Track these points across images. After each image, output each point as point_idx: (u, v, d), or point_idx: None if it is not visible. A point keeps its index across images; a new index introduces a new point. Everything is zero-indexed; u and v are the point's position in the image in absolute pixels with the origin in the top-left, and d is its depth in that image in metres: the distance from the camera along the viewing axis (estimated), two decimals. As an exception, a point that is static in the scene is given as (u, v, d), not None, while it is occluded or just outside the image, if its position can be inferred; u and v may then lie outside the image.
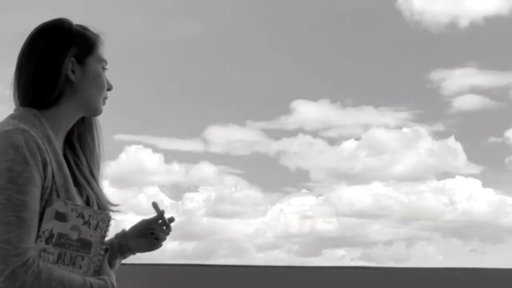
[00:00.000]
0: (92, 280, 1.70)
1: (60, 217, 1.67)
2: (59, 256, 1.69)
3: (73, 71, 1.80)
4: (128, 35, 20.54)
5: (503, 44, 22.14)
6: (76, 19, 1.87)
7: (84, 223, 1.72)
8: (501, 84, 22.29)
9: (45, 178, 1.68)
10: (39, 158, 1.67)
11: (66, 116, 1.81)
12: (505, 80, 22.30)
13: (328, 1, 20.91)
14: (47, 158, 1.69)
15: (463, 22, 20.54)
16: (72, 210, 1.69)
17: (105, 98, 1.88)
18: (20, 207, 1.62)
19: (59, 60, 1.80)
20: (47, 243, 1.66)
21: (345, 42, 22.01)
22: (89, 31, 1.88)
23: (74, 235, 1.70)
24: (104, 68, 1.87)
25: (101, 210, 1.78)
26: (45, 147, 1.70)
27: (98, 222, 1.74)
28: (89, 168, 1.90)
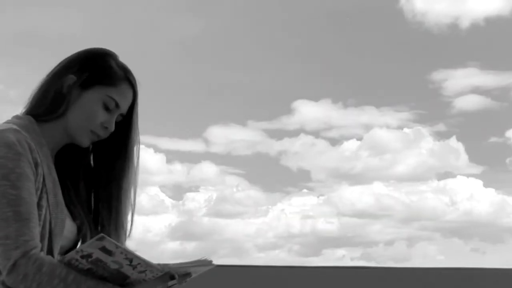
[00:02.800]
0: (111, 286, 1.61)
1: (106, 251, 1.57)
2: (90, 269, 1.61)
3: (69, 88, 1.78)
4: (127, 34, 20.55)
5: (504, 44, 22.16)
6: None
7: (129, 265, 1.60)
8: (502, 84, 22.31)
9: (36, 177, 1.68)
10: (30, 157, 1.67)
11: (53, 134, 1.79)
12: (506, 80, 22.33)
13: (329, 1, 20.90)
14: (38, 159, 1.69)
15: (464, 23, 20.50)
16: (121, 253, 1.57)
17: (94, 133, 1.79)
18: (15, 202, 1.61)
19: (62, 75, 1.80)
20: (82, 257, 1.59)
21: (347, 42, 22.01)
22: (120, 69, 1.82)
23: (113, 266, 1.60)
24: (108, 108, 1.79)
25: (156, 264, 1.63)
26: (37, 150, 1.71)
27: (146, 270, 1.62)
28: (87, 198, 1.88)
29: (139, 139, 1.89)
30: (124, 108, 1.83)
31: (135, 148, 1.89)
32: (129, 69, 1.84)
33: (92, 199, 1.90)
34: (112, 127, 1.81)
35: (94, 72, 1.80)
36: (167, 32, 20.97)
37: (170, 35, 21.06)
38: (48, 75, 1.82)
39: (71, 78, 1.79)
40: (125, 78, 1.82)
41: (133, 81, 1.84)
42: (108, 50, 1.86)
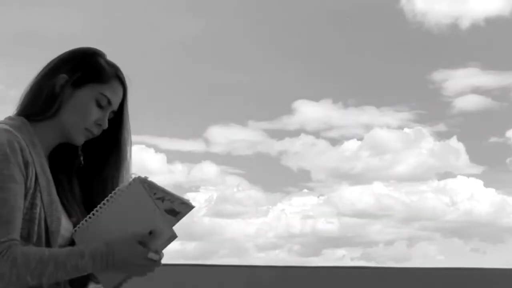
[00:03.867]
0: (86, 249, 1.66)
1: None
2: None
3: (61, 87, 1.79)
4: (127, 34, 20.57)
5: (504, 44, 22.18)
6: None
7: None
8: (502, 84, 22.34)
9: (27, 177, 1.68)
10: (20, 158, 1.68)
11: (46, 134, 1.80)
12: (507, 81, 22.37)
13: (329, 1, 20.91)
14: (29, 159, 1.70)
15: (465, 23, 20.51)
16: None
17: (88, 130, 1.82)
18: None
19: (53, 75, 1.81)
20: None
21: (347, 42, 22.02)
22: (110, 67, 1.85)
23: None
24: (100, 105, 1.81)
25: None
26: (29, 150, 1.71)
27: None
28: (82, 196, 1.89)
29: (130, 134, 1.92)
30: (115, 105, 1.86)
31: (127, 143, 1.91)
32: (118, 66, 1.88)
33: (87, 196, 1.91)
34: (105, 124, 1.84)
35: (86, 71, 1.82)
36: (167, 32, 20.98)
37: (170, 35, 21.08)
38: (38, 76, 1.84)
39: (62, 78, 1.81)
40: (116, 75, 1.86)
41: (123, 78, 1.88)
42: (96, 49, 1.89)
